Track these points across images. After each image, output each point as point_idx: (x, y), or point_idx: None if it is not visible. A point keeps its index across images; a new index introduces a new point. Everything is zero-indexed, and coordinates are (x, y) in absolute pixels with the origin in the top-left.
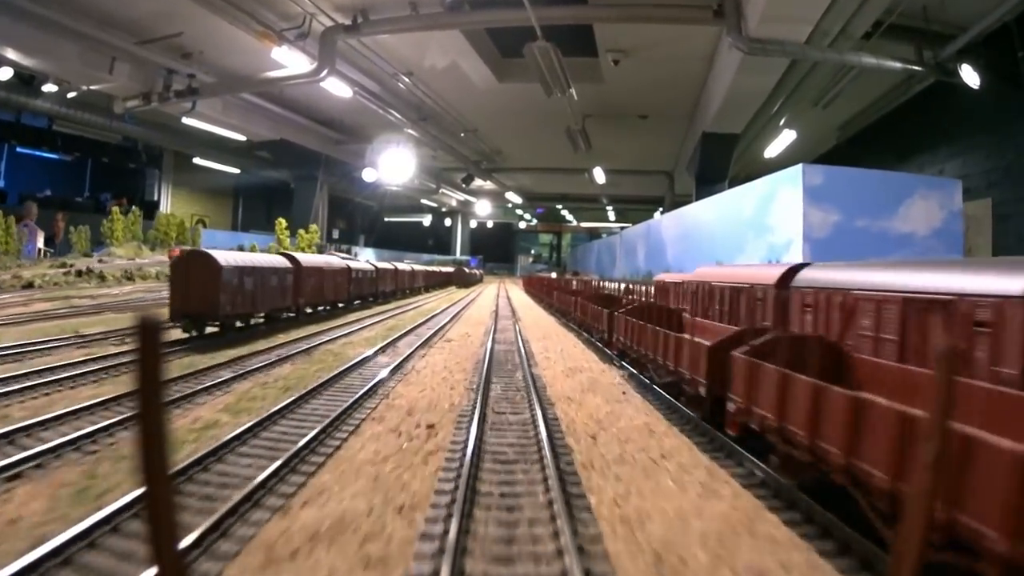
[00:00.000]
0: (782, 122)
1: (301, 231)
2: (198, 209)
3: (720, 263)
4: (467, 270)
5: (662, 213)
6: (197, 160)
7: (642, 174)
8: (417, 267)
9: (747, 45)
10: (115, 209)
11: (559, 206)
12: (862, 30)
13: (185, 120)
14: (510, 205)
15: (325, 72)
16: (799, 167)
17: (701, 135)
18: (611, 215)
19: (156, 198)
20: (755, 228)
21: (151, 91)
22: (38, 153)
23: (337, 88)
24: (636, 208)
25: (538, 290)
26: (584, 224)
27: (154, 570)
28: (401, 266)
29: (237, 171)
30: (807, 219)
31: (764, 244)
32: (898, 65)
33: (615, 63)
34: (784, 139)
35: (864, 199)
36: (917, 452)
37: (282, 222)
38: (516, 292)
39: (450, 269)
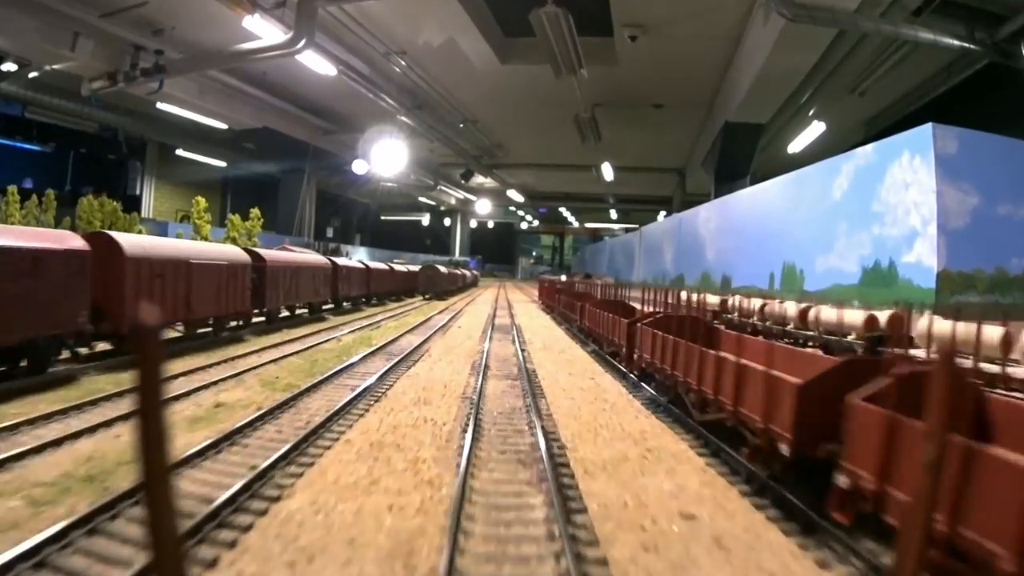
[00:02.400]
0: (811, 112)
1: (233, 217)
2: (183, 204)
3: (793, 266)
4: (446, 270)
5: (667, 215)
6: (180, 152)
7: (652, 171)
8: (342, 262)
9: (792, 11)
10: (11, 189)
11: (561, 208)
12: (916, 2)
13: (160, 106)
14: (511, 207)
15: (302, 43)
16: (927, 127)
17: (723, 126)
18: (613, 215)
19: (138, 192)
20: (851, 216)
21: (117, 70)
22: (14, 143)
23: (318, 64)
24: (641, 209)
25: (573, 309)
26: (589, 225)
27: (153, 563)
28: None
29: (223, 164)
30: (942, 201)
31: (867, 238)
32: (955, 42)
33: (632, 39)
34: (812, 132)
35: (1006, 177)
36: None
37: (200, 201)
38: (525, 310)
39: (413, 269)
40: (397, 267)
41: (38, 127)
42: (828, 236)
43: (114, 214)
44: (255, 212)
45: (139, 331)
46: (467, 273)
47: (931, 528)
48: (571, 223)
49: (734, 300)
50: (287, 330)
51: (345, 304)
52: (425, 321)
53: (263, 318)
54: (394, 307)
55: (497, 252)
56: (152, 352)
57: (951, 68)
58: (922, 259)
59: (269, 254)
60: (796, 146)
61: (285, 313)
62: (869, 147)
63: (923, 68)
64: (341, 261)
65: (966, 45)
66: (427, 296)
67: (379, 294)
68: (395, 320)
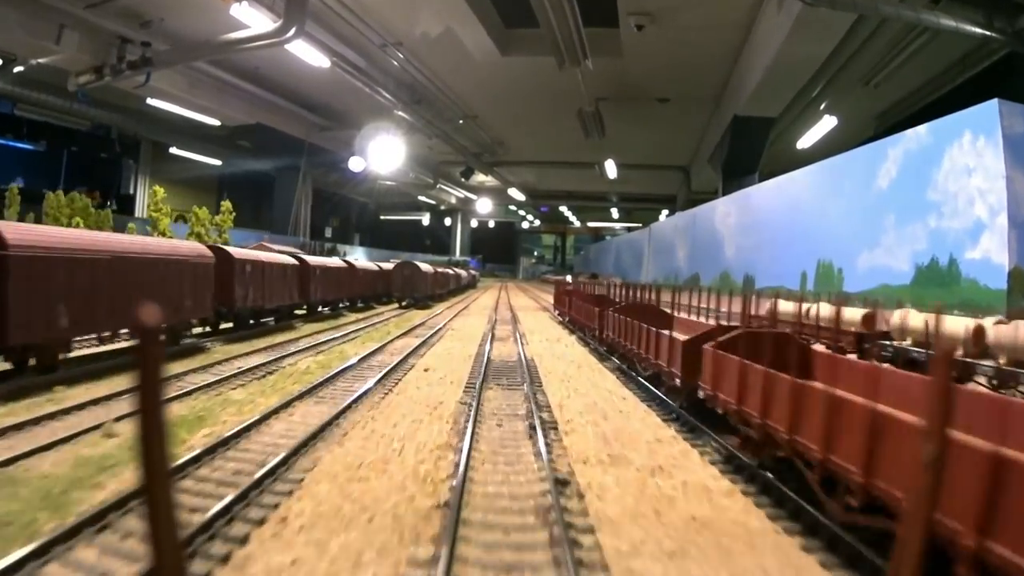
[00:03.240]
0: (822, 107)
1: (199, 211)
2: (178, 204)
3: (829, 264)
4: (431, 268)
5: (669, 215)
6: (174, 150)
7: (656, 169)
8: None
9: None
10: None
11: (562, 207)
12: None
13: (151, 102)
14: (512, 207)
15: (292, 32)
16: (993, 103)
17: (731, 120)
18: (615, 215)
19: (132, 192)
20: (902, 207)
21: (104, 64)
22: (5, 142)
23: (310, 55)
24: (644, 208)
25: (591, 318)
26: (591, 224)
27: (153, 565)
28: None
29: (219, 163)
30: (1012, 188)
31: (921, 232)
32: (976, 30)
33: (638, 28)
34: (823, 126)
35: None
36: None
37: (159, 191)
38: (537, 327)
39: (386, 267)
40: (362, 264)
41: (29, 125)
42: (872, 230)
43: (85, 210)
44: (226, 205)
45: (140, 332)
46: (462, 273)
47: (931, 528)
48: (572, 223)
49: (817, 309)
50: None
51: (324, 309)
52: (361, 362)
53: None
54: (349, 321)
55: (498, 252)
56: (152, 352)
57: (965, 60)
58: (990, 255)
59: (235, 251)
60: (806, 142)
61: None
62: (922, 128)
63: (938, 60)
64: (314, 260)
65: (987, 33)
66: (404, 304)
67: (329, 301)
68: (321, 353)
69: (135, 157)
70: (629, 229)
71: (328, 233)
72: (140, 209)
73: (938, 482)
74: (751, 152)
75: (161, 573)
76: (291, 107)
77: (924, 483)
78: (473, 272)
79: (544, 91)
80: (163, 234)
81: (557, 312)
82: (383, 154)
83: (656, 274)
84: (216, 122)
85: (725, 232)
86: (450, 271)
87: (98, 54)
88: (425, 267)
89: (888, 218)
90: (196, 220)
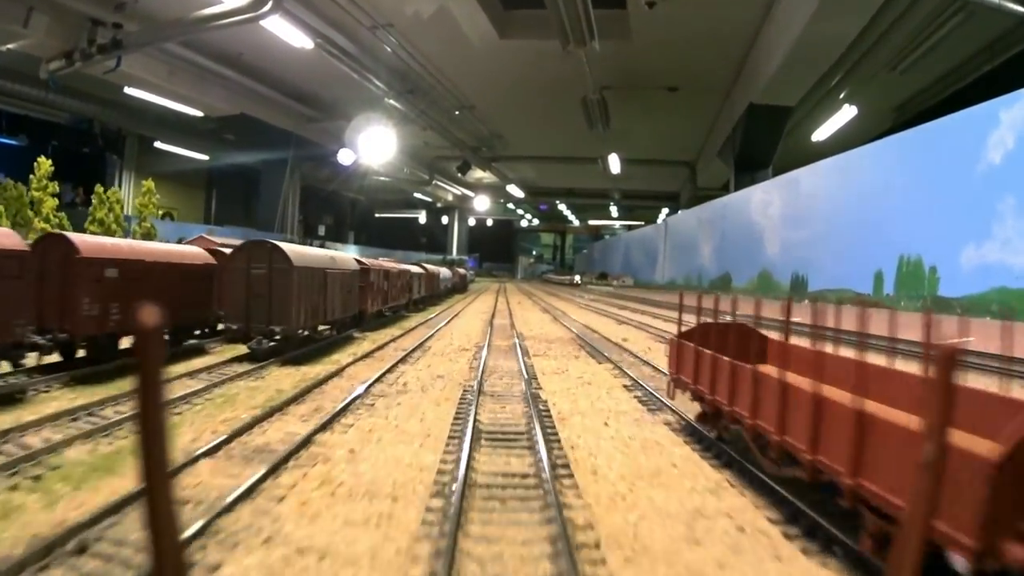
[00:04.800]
0: (842, 95)
1: (104, 191)
2: (166, 201)
3: (917, 261)
4: (322, 259)
5: (669, 214)
6: (159, 144)
7: (661, 164)
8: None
9: None
10: None
11: (561, 206)
12: None
13: (129, 91)
14: (510, 205)
15: (268, 7)
16: None
17: (746, 108)
18: (615, 213)
19: (117, 187)
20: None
21: (74, 49)
22: None
23: (290, 35)
24: (645, 206)
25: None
26: (592, 222)
27: (154, 567)
28: None
29: (205, 158)
30: None
31: None
32: (1019, 8)
33: (649, 6)
34: (841, 117)
35: None
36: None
37: (148, 184)
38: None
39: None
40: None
41: (9, 119)
42: (982, 217)
43: (19, 200)
44: (148, 185)
45: (139, 332)
46: (444, 273)
47: (929, 529)
48: (571, 222)
49: None
50: None
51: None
52: None
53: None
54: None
55: (496, 251)
56: (152, 352)
57: (994, 47)
58: None
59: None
60: (821, 134)
61: None
62: None
63: (969, 44)
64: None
65: None
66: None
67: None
68: None
69: (119, 152)
70: (629, 227)
71: (321, 231)
72: (126, 206)
73: (937, 482)
74: (766, 144)
75: (162, 574)
76: (277, 96)
77: (923, 483)
78: (464, 272)
79: (545, 79)
80: (149, 232)
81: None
82: (374, 146)
83: (674, 273)
84: (198, 113)
85: (765, 224)
86: (416, 270)
87: (68, 38)
88: (311, 254)
89: (1006, 201)
90: (99, 203)
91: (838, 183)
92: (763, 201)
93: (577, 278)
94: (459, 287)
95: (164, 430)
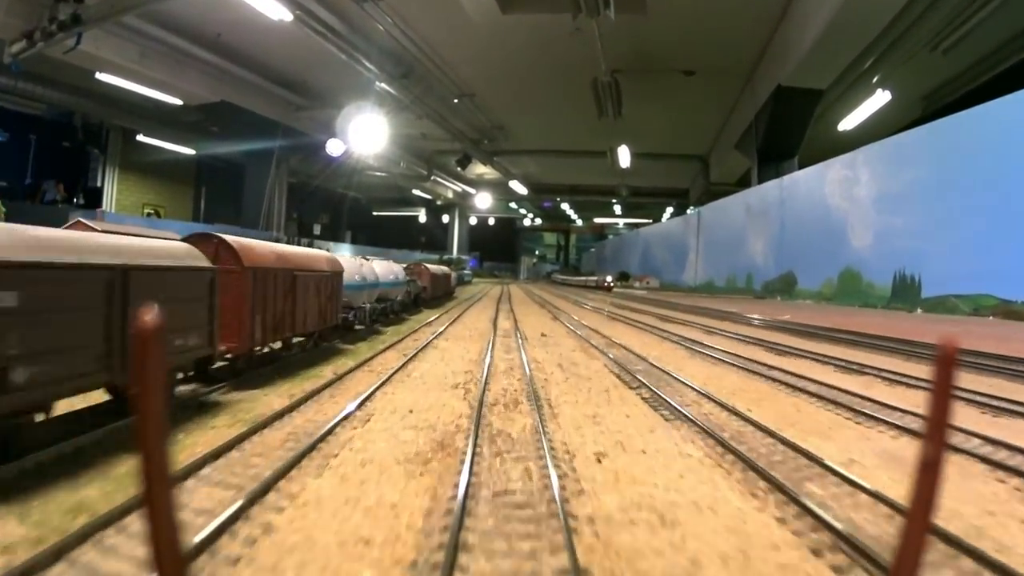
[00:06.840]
0: (875, 79)
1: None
2: (151, 198)
3: None
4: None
5: (675, 212)
6: (142, 138)
7: (672, 158)
8: None
9: None
10: None
11: (564, 204)
12: None
13: (101, 77)
14: (513, 203)
15: None
16: None
17: (773, 91)
18: (618, 211)
19: (100, 184)
20: None
21: (35, 28)
22: None
23: (266, 5)
24: (652, 203)
25: None
26: (598, 220)
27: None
28: None
29: (192, 152)
30: None
31: None
32: None
33: None
34: (874, 103)
35: None
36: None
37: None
38: None
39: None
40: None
41: None
42: None
43: None
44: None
45: (140, 334)
46: (429, 270)
47: (930, 529)
48: (575, 221)
49: None
50: None
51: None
52: None
53: None
54: None
55: (498, 250)
56: (153, 352)
57: None
58: None
59: None
60: (850, 122)
61: None
62: None
63: (1012, 23)
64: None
65: None
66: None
67: None
68: None
69: (100, 146)
70: (634, 226)
71: (317, 230)
72: (109, 203)
73: (937, 482)
74: (793, 131)
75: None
76: (261, 82)
77: (923, 483)
78: (460, 273)
79: (552, 62)
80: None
81: None
82: (365, 135)
83: (712, 273)
84: (177, 101)
85: (847, 209)
86: (362, 263)
87: (30, 18)
88: (275, 252)
89: None
90: None
91: (966, 148)
92: (844, 179)
93: (609, 278)
94: (444, 291)
95: (164, 431)
